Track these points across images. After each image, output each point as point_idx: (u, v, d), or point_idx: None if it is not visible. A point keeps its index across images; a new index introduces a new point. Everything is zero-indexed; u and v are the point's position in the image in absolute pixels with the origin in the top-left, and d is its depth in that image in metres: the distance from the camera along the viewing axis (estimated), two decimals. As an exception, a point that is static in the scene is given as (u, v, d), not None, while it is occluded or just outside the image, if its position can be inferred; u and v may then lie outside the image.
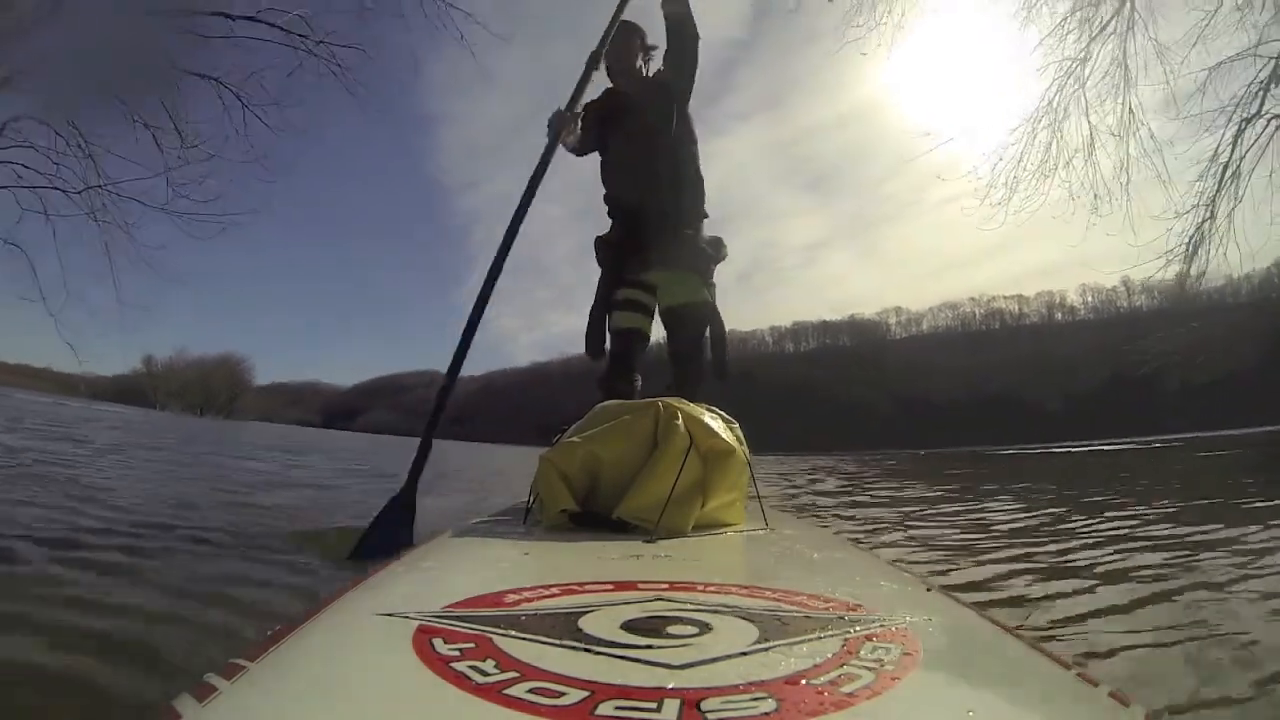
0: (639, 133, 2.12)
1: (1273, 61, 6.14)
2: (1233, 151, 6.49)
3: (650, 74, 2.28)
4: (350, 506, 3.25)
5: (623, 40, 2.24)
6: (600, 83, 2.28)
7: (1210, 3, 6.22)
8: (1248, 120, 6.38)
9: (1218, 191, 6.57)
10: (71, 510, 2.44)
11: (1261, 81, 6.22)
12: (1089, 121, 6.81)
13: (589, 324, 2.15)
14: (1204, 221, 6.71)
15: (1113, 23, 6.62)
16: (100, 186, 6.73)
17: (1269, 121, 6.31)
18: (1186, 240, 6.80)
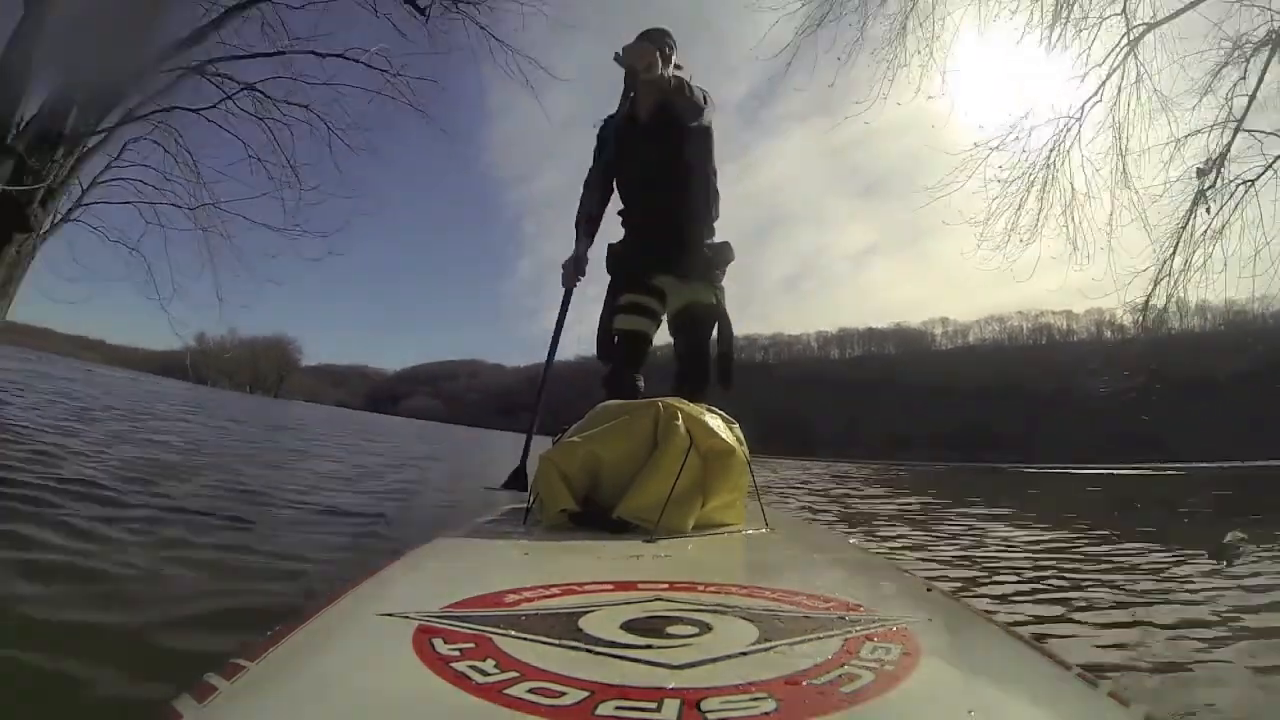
0: (653, 145, 2.11)
1: (1231, 133, 6.60)
2: (1190, 219, 6.96)
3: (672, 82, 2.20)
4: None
5: (643, 50, 2.05)
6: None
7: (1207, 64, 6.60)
8: (1203, 191, 6.82)
9: (1173, 254, 7.12)
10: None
11: (1213, 158, 6.73)
12: (1079, 178, 7.30)
13: (599, 330, 2.17)
14: (1160, 279, 7.28)
15: (1102, 89, 7.13)
16: (211, 204, 8.01)
17: (1236, 187, 6.72)
18: (1145, 294, 7.39)
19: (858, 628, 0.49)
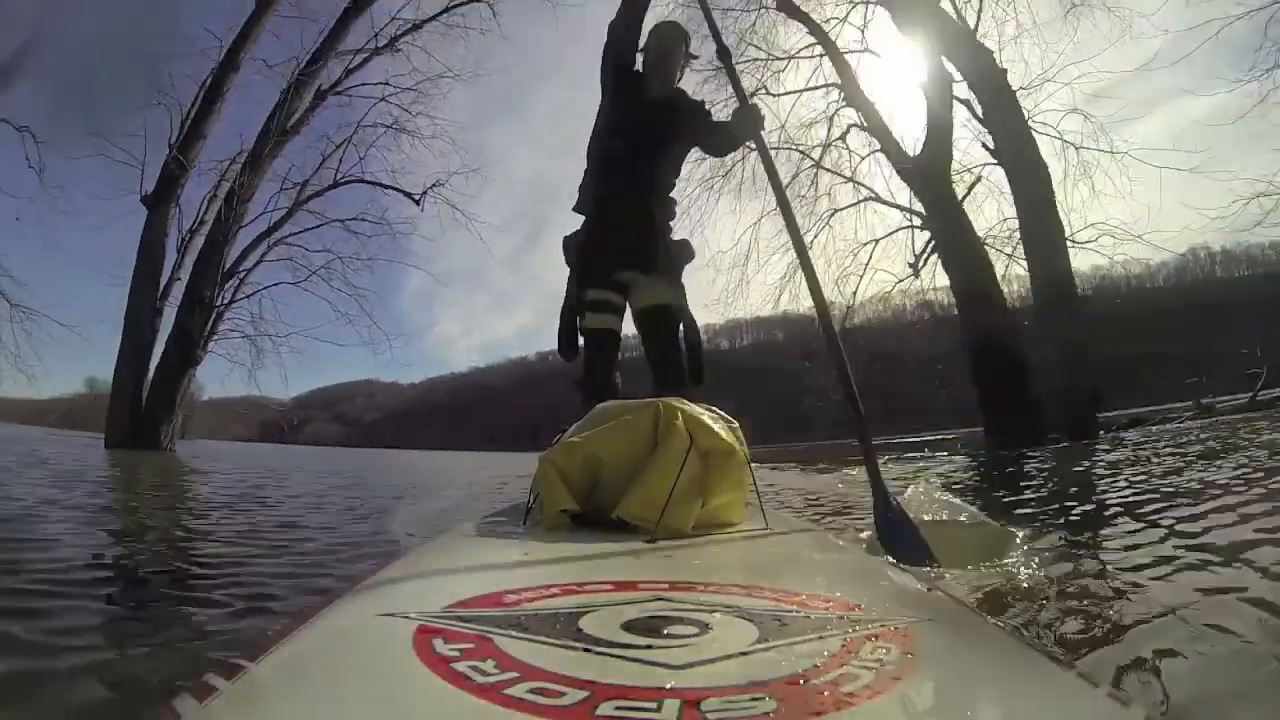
0: (652, 137, 2.13)
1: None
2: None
3: (681, 81, 2.26)
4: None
5: (670, 44, 2.20)
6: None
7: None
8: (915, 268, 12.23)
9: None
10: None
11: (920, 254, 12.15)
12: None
13: (560, 325, 2.15)
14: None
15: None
16: (297, 333, 13.06)
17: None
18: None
19: (858, 628, 0.49)
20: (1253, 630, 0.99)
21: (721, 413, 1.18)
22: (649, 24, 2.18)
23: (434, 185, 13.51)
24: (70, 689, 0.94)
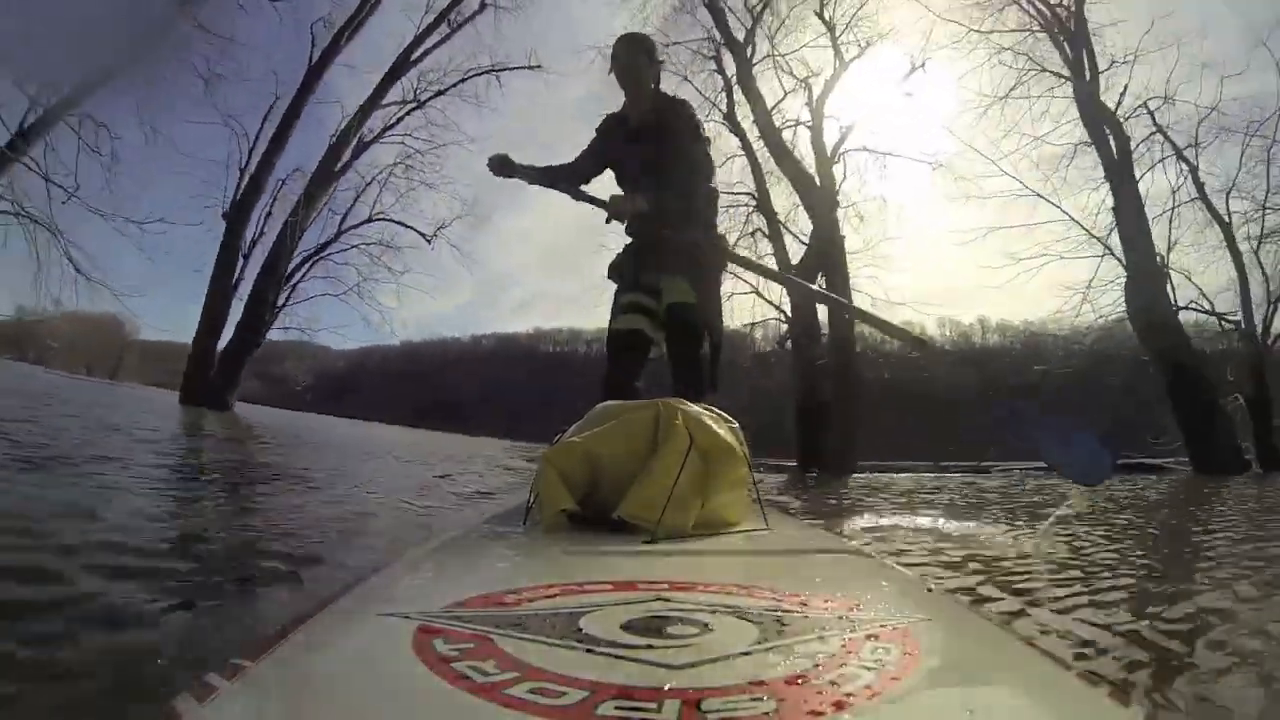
0: (652, 146, 2.15)
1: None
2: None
3: (658, 86, 2.28)
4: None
5: (629, 57, 2.22)
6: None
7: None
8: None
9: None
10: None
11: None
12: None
13: (608, 336, 2.21)
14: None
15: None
16: (326, 329, 17.57)
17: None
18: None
19: (858, 628, 0.49)
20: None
21: (722, 413, 1.18)
22: (617, 31, 2.26)
23: (441, 227, 16.82)
24: (70, 688, 0.94)
